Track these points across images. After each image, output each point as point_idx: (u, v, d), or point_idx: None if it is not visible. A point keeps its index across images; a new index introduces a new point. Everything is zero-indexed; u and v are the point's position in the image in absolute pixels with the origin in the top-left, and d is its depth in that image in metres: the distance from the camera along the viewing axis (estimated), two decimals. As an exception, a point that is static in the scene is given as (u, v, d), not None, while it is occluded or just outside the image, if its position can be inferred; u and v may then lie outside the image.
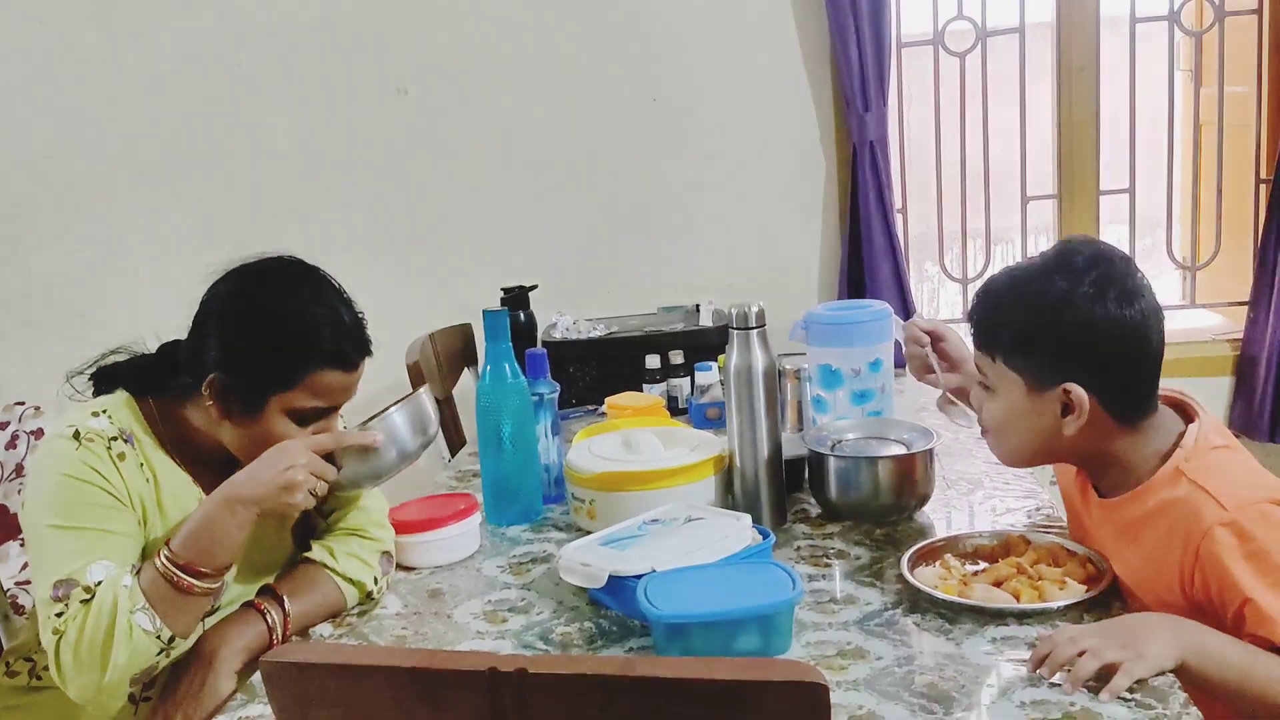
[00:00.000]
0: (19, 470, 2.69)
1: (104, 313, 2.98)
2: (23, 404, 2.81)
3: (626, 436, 1.78)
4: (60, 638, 1.28)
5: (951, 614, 1.32)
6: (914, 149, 2.98)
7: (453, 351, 2.67)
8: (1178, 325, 2.88)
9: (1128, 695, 1.10)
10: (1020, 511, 1.67)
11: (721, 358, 1.89)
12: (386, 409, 1.51)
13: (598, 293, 2.94)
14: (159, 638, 1.30)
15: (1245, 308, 2.80)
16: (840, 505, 1.68)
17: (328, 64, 2.94)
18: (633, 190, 2.94)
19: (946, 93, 2.93)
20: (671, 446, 1.76)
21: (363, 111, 2.95)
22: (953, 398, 1.67)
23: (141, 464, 1.40)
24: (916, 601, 1.36)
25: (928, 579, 1.38)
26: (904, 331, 1.71)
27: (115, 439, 1.38)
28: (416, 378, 2.39)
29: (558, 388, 1.89)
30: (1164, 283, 3.00)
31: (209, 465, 1.46)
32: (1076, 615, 1.29)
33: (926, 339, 1.68)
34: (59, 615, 1.29)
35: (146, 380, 1.47)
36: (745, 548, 1.45)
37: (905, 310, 2.79)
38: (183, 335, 1.46)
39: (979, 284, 1.47)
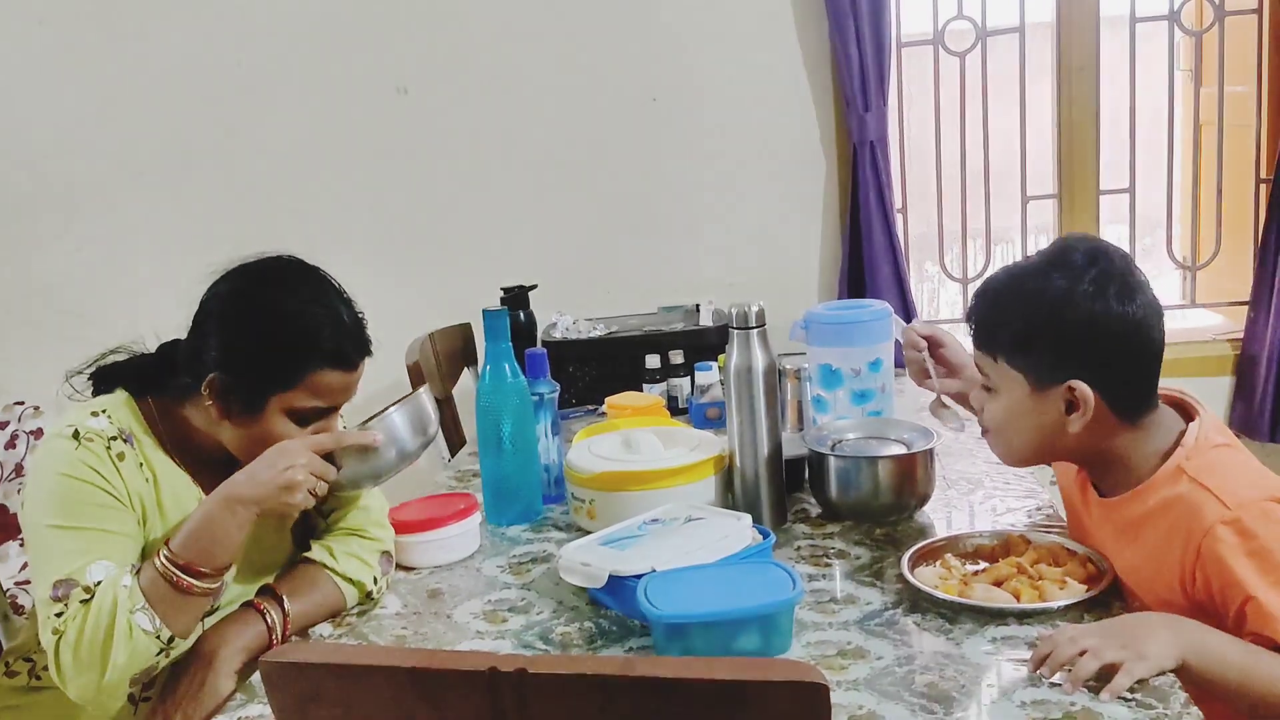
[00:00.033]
0: (19, 470, 2.69)
1: (104, 313, 2.98)
2: (22, 404, 2.82)
3: (626, 436, 1.78)
4: (60, 638, 1.28)
5: (952, 614, 1.32)
6: (914, 149, 2.98)
7: (453, 351, 2.67)
8: (1178, 325, 2.88)
9: (1128, 695, 1.10)
10: (1020, 511, 1.67)
11: (721, 357, 1.89)
12: (386, 409, 1.51)
13: (598, 293, 2.94)
14: (159, 638, 1.30)
15: (1245, 307, 2.80)
16: (840, 505, 1.68)
17: (328, 64, 2.94)
18: (633, 190, 2.94)
19: (946, 92, 2.93)
20: (671, 446, 1.76)
21: (363, 111, 2.95)
22: (946, 401, 1.67)
23: (141, 464, 1.40)
24: (917, 601, 1.36)
25: (928, 579, 1.38)
26: (902, 337, 1.71)
27: (115, 439, 1.38)
28: (416, 378, 2.39)
29: (558, 387, 1.88)
30: (1164, 283, 3.00)
31: (208, 465, 1.46)
32: (1077, 615, 1.29)
33: (924, 344, 1.68)
34: (58, 615, 1.29)
35: (146, 380, 1.47)
36: (745, 547, 1.45)
37: (905, 310, 2.79)
38: (183, 335, 1.46)
39: (979, 284, 1.47)
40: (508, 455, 1.77)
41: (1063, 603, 1.29)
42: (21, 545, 2.51)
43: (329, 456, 1.40)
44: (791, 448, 1.75)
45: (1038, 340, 1.35)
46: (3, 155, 3.03)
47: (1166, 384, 1.40)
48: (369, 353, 1.46)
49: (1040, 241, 2.92)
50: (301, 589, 1.46)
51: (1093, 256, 1.34)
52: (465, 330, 2.77)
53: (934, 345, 1.69)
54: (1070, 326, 1.32)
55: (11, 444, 2.74)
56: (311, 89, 2.95)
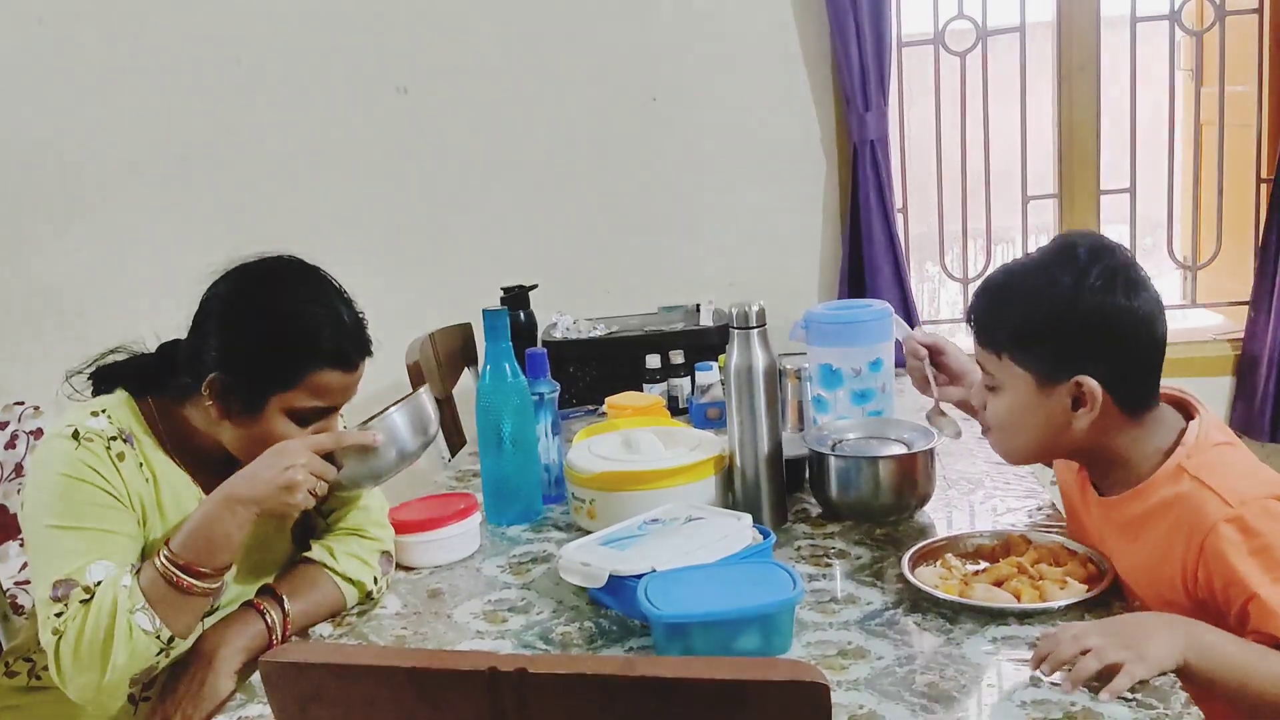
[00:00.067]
0: (18, 470, 2.69)
1: (104, 313, 2.98)
2: (22, 404, 2.81)
3: (626, 436, 1.78)
4: (60, 638, 1.28)
5: (952, 614, 1.32)
6: (914, 148, 2.98)
7: (453, 351, 2.67)
8: (1178, 325, 2.87)
9: (1129, 695, 1.10)
10: (1021, 511, 1.66)
11: (722, 357, 1.88)
12: (387, 409, 1.51)
13: (598, 293, 2.94)
14: (158, 638, 1.30)
15: (1246, 307, 2.80)
16: (841, 505, 1.68)
17: (328, 63, 2.94)
18: (633, 190, 2.94)
19: (947, 92, 2.93)
20: (672, 446, 1.76)
21: (363, 111, 2.95)
22: (944, 409, 1.66)
23: (141, 464, 1.39)
24: (917, 601, 1.36)
25: (928, 579, 1.38)
26: (904, 345, 1.70)
27: (114, 439, 1.38)
28: (416, 378, 2.39)
29: (558, 387, 1.88)
30: (1164, 282, 2.98)
31: (208, 465, 1.45)
32: (1077, 615, 1.29)
33: (925, 352, 1.66)
34: (58, 615, 1.29)
35: (146, 380, 1.47)
36: (745, 547, 1.45)
37: (905, 310, 2.79)
38: (183, 335, 1.46)
39: (980, 281, 1.46)
40: (508, 455, 1.77)
41: (1063, 603, 1.29)
42: (21, 545, 2.51)
43: (329, 456, 1.40)
44: (792, 448, 1.75)
45: (1045, 336, 1.34)
46: (3, 155, 3.03)
47: (1167, 383, 1.40)
48: (369, 353, 1.45)
49: (1041, 241, 2.90)
50: (301, 589, 1.46)
51: (1097, 252, 1.34)
52: (465, 330, 2.77)
53: (935, 353, 1.68)
54: (1078, 321, 1.32)
55: (11, 444, 2.73)
56: (311, 88, 2.95)
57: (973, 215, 3.00)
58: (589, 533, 1.58)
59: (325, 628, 1.47)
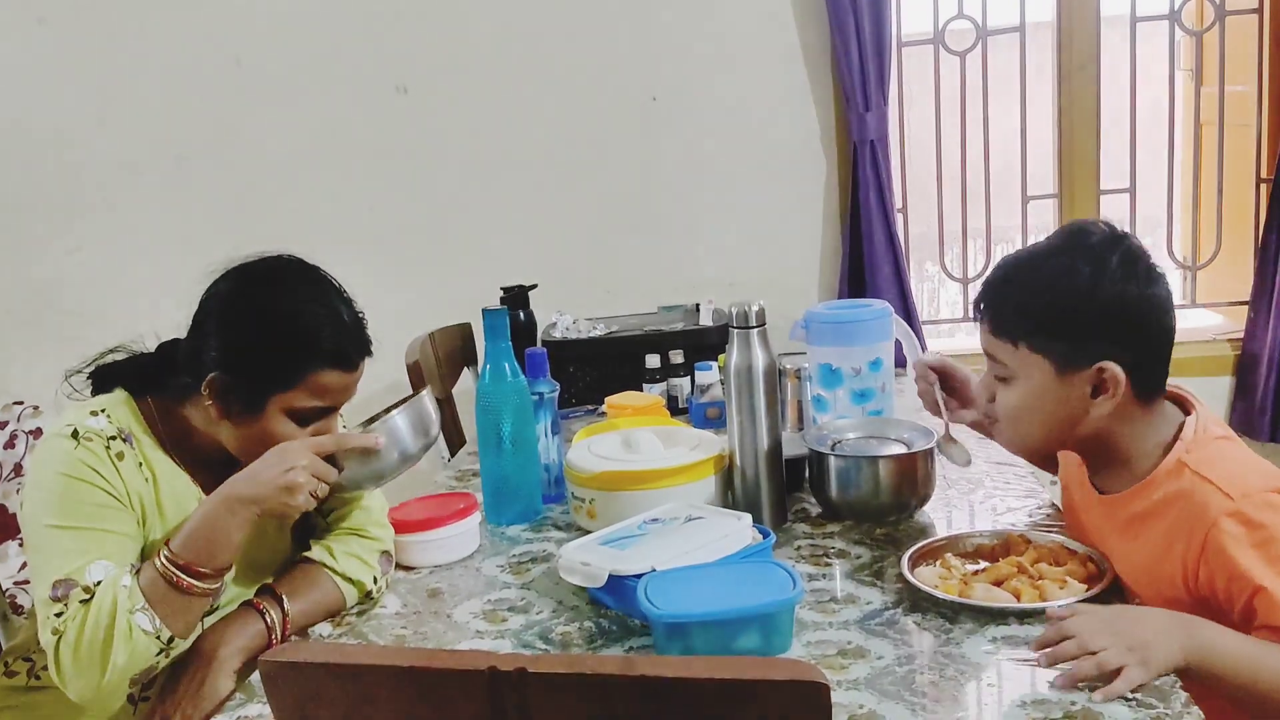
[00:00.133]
0: (18, 470, 2.69)
1: (104, 313, 2.98)
2: (21, 403, 2.81)
3: (626, 436, 1.77)
4: (60, 638, 1.28)
5: (952, 613, 1.32)
6: (914, 148, 2.98)
7: (453, 351, 2.67)
8: (1178, 325, 2.87)
9: (1129, 695, 1.10)
10: (1021, 511, 1.66)
11: (722, 357, 1.88)
12: (389, 411, 1.51)
13: (598, 292, 2.94)
14: (158, 638, 1.30)
15: (1245, 307, 2.80)
16: (841, 504, 1.68)
17: (328, 63, 2.94)
18: (633, 190, 2.94)
19: (947, 92, 2.93)
20: (671, 446, 1.76)
21: (363, 111, 2.95)
22: (954, 436, 1.64)
23: (140, 463, 1.39)
24: (917, 601, 1.36)
25: (928, 578, 1.38)
26: (914, 369, 1.69)
27: (114, 438, 1.38)
28: (416, 377, 2.39)
29: (558, 387, 1.88)
30: (1164, 282, 3.00)
31: (208, 465, 1.45)
32: (1077, 614, 1.28)
33: (935, 377, 1.64)
34: (58, 615, 1.29)
35: (145, 379, 1.47)
36: (745, 547, 1.45)
37: (906, 309, 2.79)
38: (182, 335, 1.46)
39: (980, 283, 1.46)
40: (508, 455, 1.77)
41: (1063, 602, 1.28)
42: (21, 545, 2.51)
43: (330, 458, 1.40)
44: (791, 447, 1.75)
45: (1067, 322, 1.33)
46: (3, 155, 3.03)
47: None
48: (369, 353, 1.45)
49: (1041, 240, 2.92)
50: (301, 589, 1.46)
51: (1113, 239, 1.34)
52: (465, 330, 2.77)
53: (944, 377, 1.65)
54: (1101, 308, 1.31)
55: (11, 444, 2.73)
56: (311, 88, 2.95)
57: (973, 215, 3.00)
58: (589, 532, 1.58)
59: (325, 627, 1.47)
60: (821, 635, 1.30)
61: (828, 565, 1.52)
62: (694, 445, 1.76)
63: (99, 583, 1.30)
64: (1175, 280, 3.05)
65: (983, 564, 1.44)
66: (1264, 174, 2.81)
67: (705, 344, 2.44)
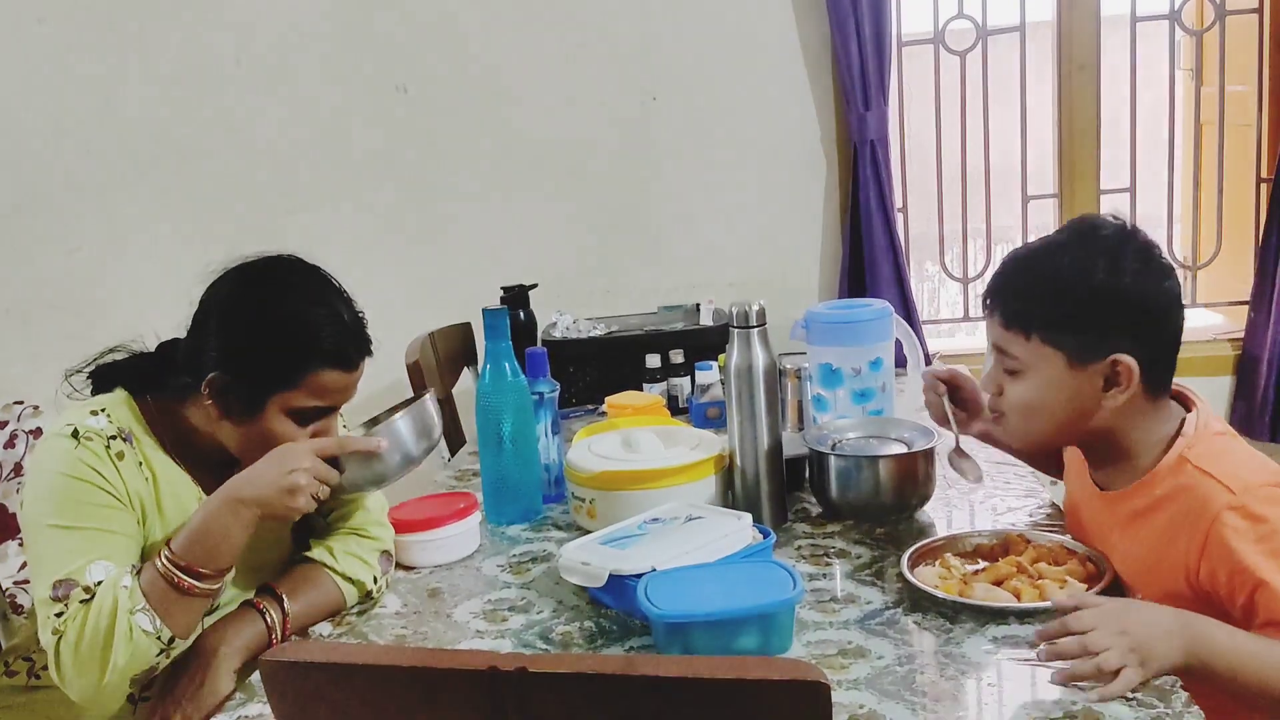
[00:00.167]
0: (18, 469, 2.69)
1: (104, 312, 2.98)
2: (21, 403, 2.81)
3: (626, 436, 1.77)
4: (60, 638, 1.28)
5: (952, 613, 1.32)
6: (914, 148, 2.98)
7: (453, 351, 2.67)
8: (1178, 324, 2.87)
9: (1129, 694, 1.10)
10: (1021, 511, 1.66)
11: (722, 357, 1.88)
12: (392, 413, 1.51)
13: (598, 292, 2.94)
14: (159, 638, 1.30)
15: (1246, 307, 2.80)
16: (841, 504, 1.68)
17: (327, 63, 2.94)
18: (633, 189, 2.94)
19: (947, 92, 2.92)
20: (672, 446, 1.76)
21: (362, 110, 2.95)
22: (965, 450, 1.62)
23: (140, 463, 1.39)
24: (917, 601, 1.36)
25: (928, 578, 1.38)
26: (923, 379, 1.68)
27: (114, 438, 1.37)
28: (416, 377, 2.39)
29: (558, 387, 1.88)
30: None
31: (208, 465, 1.45)
32: (1077, 614, 1.28)
33: (944, 388, 1.63)
34: (58, 615, 1.29)
35: (145, 379, 1.47)
36: (746, 547, 1.45)
37: (906, 309, 2.79)
38: (182, 335, 1.46)
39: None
40: (508, 455, 1.77)
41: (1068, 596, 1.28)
42: (21, 545, 2.51)
43: (332, 460, 1.40)
44: (792, 447, 1.75)
45: (1083, 314, 1.33)
46: (3, 155, 3.03)
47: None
48: (369, 352, 1.45)
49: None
50: (301, 588, 1.46)
51: (1124, 232, 1.35)
52: (465, 330, 2.77)
53: (952, 389, 1.64)
54: (1118, 300, 1.31)
55: (11, 443, 2.73)
56: (311, 88, 2.95)
57: (973, 215, 3.00)
58: (589, 532, 1.58)
59: (325, 627, 1.47)
60: (822, 635, 1.30)
61: (828, 565, 1.52)
62: (694, 445, 1.76)
63: (99, 583, 1.29)
64: (1175, 280, 3.05)
65: (982, 564, 1.44)
66: (1264, 174, 2.81)
67: (705, 344, 2.44)
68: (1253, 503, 1.22)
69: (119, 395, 1.45)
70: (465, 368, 2.73)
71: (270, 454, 1.36)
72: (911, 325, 2.72)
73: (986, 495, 1.73)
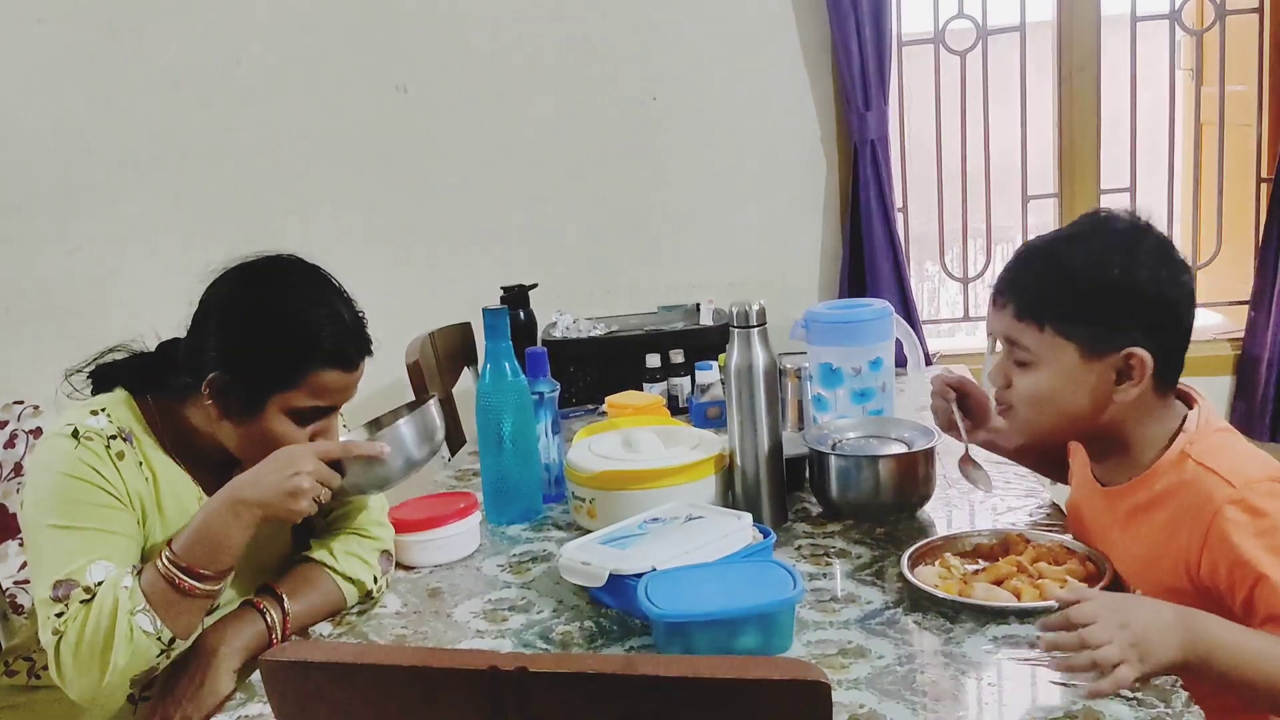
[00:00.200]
0: (18, 469, 2.69)
1: (104, 312, 2.98)
2: (21, 403, 2.81)
3: (627, 435, 1.77)
4: (60, 638, 1.28)
5: (952, 613, 1.32)
6: (914, 148, 2.98)
7: (453, 350, 2.67)
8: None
9: (1129, 693, 1.10)
10: (1021, 510, 1.66)
11: (722, 356, 1.88)
12: (395, 417, 1.51)
13: (598, 292, 2.94)
14: (159, 639, 1.30)
15: (1246, 307, 2.80)
16: (841, 504, 1.68)
17: (327, 62, 2.94)
18: (633, 189, 2.94)
19: (947, 91, 2.93)
20: (672, 445, 1.76)
21: (362, 110, 2.95)
22: (975, 459, 1.62)
23: (140, 463, 1.39)
24: (917, 600, 1.36)
25: (928, 578, 1.38)
26: (932, 384, 1.67)
27: (114, 438, 1.37)
28: (416, 377, 2.39)
29: (558, 386, 1.88)
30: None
31: (208, 464, 1.45)
32: (1078, 614, 1.28)
33: (953, 394, 1.62)
34: (59, 616, 1.28)
35: (146, 379, 1.47)
36: (746, 546, 1.45)
37: (906, 309, 2.79)
38: (182, 334, 1.46)
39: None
40: (508, 454, 1.77)
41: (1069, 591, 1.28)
42: (21, 545, 2.50)
43: (335, 463, 1.40)
44: (792, 447, 1.75)
45: (1100, 306, 1.32)
46: (3, 155, 3.03)
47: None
48: (369, 352, 1.45)
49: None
50: (301, 588, 1.45)
51: (1139, 227, 1.35)
52: (465, 329, 2.77)
53: (960, 395, 1.63)
54: (1135, 293, 1.31)
55: (11, 443, 2.73)
56: (311, 88, 2.95)
57: (973, 215, 3.00)
58: (589, 532, 1.58)
59: (325, 627, 1.47)
60: (822, 635, 1.30)
61: (828, 565, 1.52)
62: (694, 445, 1.76)
63: (100, 583, 1.29)
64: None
65: (982, 563, 1.44)
66: (1264, 174, 2.81)
67: (705, 344, 2.44)
68: (1253, 497, 1.22)
69: (119, 395, 1.44)
70: (465, 368, 2.73)
71: (273, 456, 1.36)
72: (911, 325, 2.72)
73: (986, 495, 1.73)
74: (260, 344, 1.38)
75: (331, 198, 2.99)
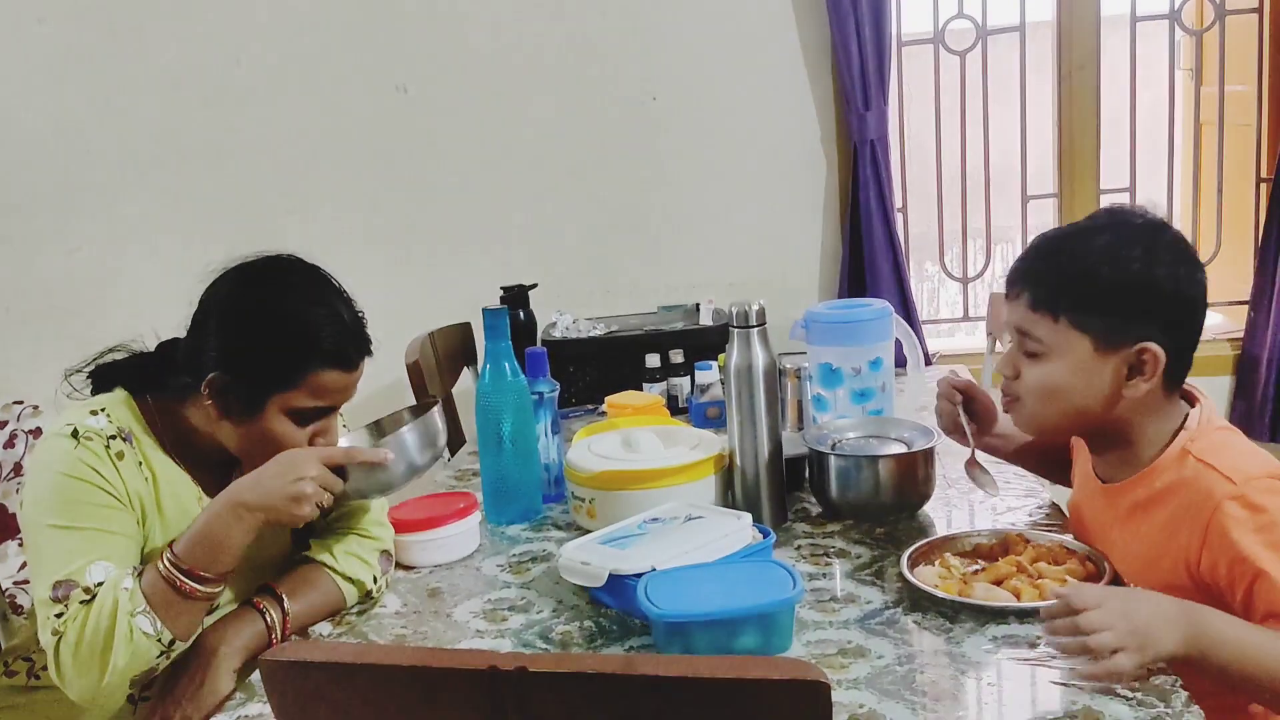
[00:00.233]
0: (17, 469, 2.69)
1: (104, 312, 2.98)
2: (21, 403, 2.81)
3: (626, 435, 1.77)
4: (60, 639, 1.28)
5: (952, 613, 1.32)
6: (914, 148, 2.98)
7: (452, 350, 2.67)
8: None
9: (1129, 694, 1.10)
10: (1020, 510, 1.66)
11: (722, 356, 1.88)
12: (398, 419, 1.52)
13: (598, 292, 2.94)
14: (159, 641, 1.30)
15: (1245, 307, 2.80)
16: (841, 504, 1.68)
17: (327, 62, 2.94)
18: (633, 189, 2.94)
19: (947, 91, 2.93)
20: (671, 445, 1.76)
21: (362, 110, 2.95)
22: (981, 463, 1.61)
23: (140, 463, 1.39)
24: (917, 600, 1.36)
25: (928, 578, 1.38)
26: (939, 387, 1.67)
27: (114, 438, 1.37)
28: (416, 377, 2.39)
29: (558, 386, 1.88)
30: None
31: (208, 465, 1.45)
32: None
33: (959, 397, 1.62)
34: (58, 616, 1.28)
35: (145, 378, 1.47)
36: (745, 546, 1.45)
37: (906, 309, 2.79)
38: (182, 334, 1.46)
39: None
40: (508, 454, 1.77)
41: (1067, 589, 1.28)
42: (20, 545, 2.50)
43: (338, 468, 1.40)
44: (792, 447, 1.75)
45: (1116, 299, 1.32)
46: (3, 155, 3.03)
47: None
48: (369, 353, 1.45)
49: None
50: (301, 588, 1.45)
51: (1158, 224, 1.35)
52: (465, 329, 2.77)
53: (966, 399, 1.62)
54: (1153, 289, 1.31)
55: (10, 443, 2.73)
56: (311, 88, 2.95)
57: (972, 215, 3.00)
58: (589, 532, 1.58)
59: (325, 627, 1.47)
60: (821, 635, 1.30)
61: (828, 565, 1.52)
62: (694, 445, 1.76)
63: (100, 584, 1.29)
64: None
65: (981, 563, 1.44)
66: (1264, 174, 2.81)
67: (705, 344, 2.44)
68: (1253, 493, 1.22)
69: (119, 395, 1.44)
70: (465, 367, 2.73)
71: (277, 459, 1.36)
72: (911, 325, 2.73)
73: (986, 495, 1.73)
74: (260, 344, 1.38)
75: (331, 198, 2.99)
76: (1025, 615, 1.28)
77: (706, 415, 2.20)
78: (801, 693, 0.79)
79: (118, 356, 1.49)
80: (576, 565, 1.42)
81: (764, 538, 1.48)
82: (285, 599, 1.42)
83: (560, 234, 2.97)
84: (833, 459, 1.68)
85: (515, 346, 1.79)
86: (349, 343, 1.42)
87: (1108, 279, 1.32)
